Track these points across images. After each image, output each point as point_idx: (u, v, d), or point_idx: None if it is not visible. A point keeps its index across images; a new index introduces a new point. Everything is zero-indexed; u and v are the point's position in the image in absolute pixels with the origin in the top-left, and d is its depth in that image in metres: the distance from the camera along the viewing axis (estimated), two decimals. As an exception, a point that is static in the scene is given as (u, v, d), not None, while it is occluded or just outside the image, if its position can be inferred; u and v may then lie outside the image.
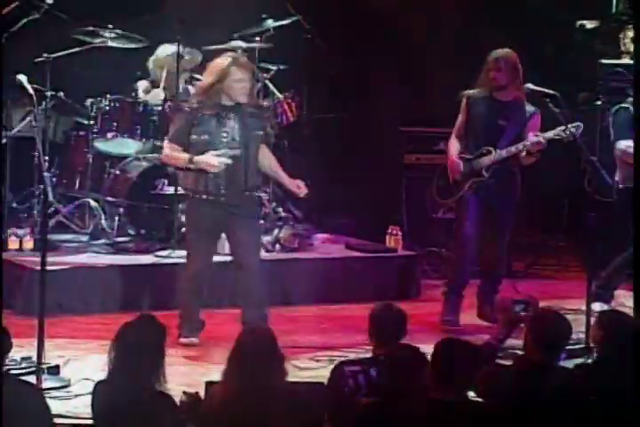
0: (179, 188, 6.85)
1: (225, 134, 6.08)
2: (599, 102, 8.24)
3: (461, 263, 6.84)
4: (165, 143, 6.33)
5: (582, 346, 5.97)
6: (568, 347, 4.75)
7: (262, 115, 6.25)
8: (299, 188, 6.24)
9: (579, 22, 9.47)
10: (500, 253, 6.92)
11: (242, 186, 6.11)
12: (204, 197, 6.13)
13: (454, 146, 6.85)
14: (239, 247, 6.20)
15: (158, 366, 4.17)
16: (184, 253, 7.46)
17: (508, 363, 5.17)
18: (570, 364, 4.78)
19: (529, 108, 6.72)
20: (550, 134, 6.55)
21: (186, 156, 6.10)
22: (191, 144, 6.11)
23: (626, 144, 6.79)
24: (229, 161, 6.05)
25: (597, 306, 6.65)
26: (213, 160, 6.04)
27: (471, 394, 4.25)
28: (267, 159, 6.26)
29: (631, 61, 8.40)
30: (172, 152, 6.19)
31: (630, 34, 8.70)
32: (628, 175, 6.66)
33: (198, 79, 8.17)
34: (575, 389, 4.29)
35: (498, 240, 6.87)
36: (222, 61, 6.12)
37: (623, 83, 8.23)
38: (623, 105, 6.99)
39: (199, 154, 6.09)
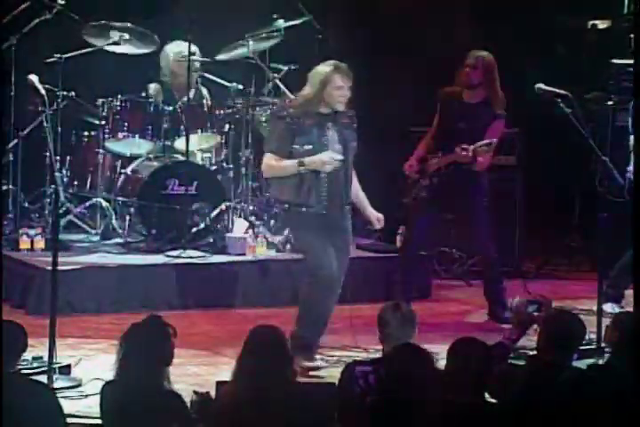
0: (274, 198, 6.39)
1: (325, 143, 5.86)
2: (611, 102, 8.21)
3: (401, 268, 6.97)
4: (267, 155, 5.95)
5: (594, 347, 5.95)
6: (580, 347, 4.73)
7: (353, 125, 5.98)
8: (378, 221, 6.08)
9: (590, 22, 9.45)
10: (484, 251, 6.96)
11: (342, 199, 5.88)
12: (304, 209, 5.87)
13: (422, 146, 6.95)
14: (336, 262, 5.91)
15: (166, 366, 4.18)
16: (195, 253, 7.50)
17: (521, 363, 5.16)
18: (582, 364, 4.77)
19: (497, 111, 6.74)
20: (478, 144, 6.59)
21: (293, 161, 5.82)
22: (292, 155, 5.84)
23: None
24: (341, 157, 5.82)
25: (609, 307, 6.64)
26: (325, 156, 5.79)
27: (485, 395, 4.24)
28: (355, 183, 6.07)
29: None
30: (276, 162, 5.87)
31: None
32: None
33: (209, 79, 8.21)
34: (588, 389, 4.28)
35: (475, 240, 6.96)
36: (324, 69, 5.89)
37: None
38: None
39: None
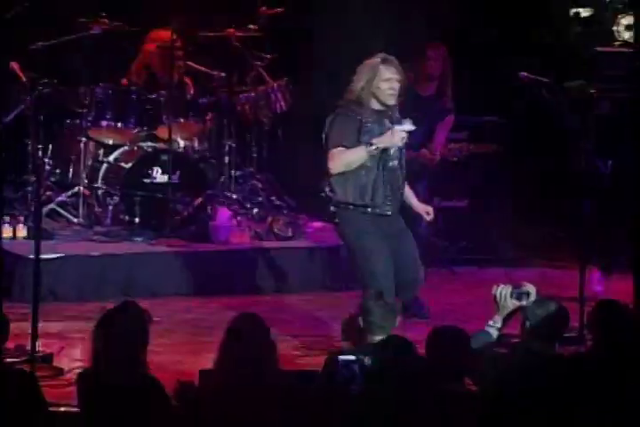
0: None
1: None
2: (593, 90, 8.23)
3: None
4: (334, 150, 5.69)
5: (576, 334, 5.98)
6: (563, 335, 4.75)
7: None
8: (428, 214, 5.92)
9: (573, 10, 9.46)
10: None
11: (399, 199, 5.79)
12: (369, 210, 5.69)
13: None
14: (411, 262, 5.81)
15: (142, 352, 4.16)
16: (179, 241, 7.49)
17: (505, 351, 5.17)
18: (564, 352, 4.79)
19: (448, 106, 6.73)
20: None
21: (361, 147, 5.60)
22: None
23: None
24: (411, 127, 5.59)
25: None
26: (394, 132, 5.55)
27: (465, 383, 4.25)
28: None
29: (626, 49, 8.39)
30: (345, 153, 5.64)
31: (624, 22, 8.69)
32: None
33: (192, 67, 8.18)
34: (572, 377, 4.29)
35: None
36: (372, 61, 5.71)
37: (618, 70, 8.22)
38: None
39: (363, 165, 5.64)
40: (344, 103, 5.72)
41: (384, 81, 5.63)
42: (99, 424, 4.14)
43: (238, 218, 7.80)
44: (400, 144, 5.63)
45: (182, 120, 7.92)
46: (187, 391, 4.31)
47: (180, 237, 7.57)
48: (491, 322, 4.78)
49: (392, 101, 5.69)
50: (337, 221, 5.83)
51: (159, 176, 7.71)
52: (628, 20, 8.70)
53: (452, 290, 7.53)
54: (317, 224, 8.08)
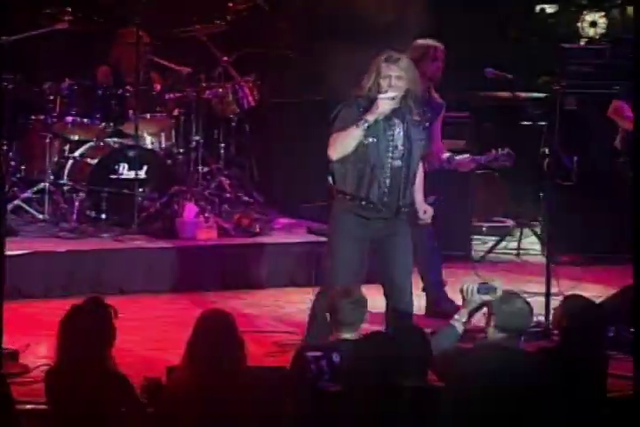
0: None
1: (390, 138, 5.56)
2: (558, 86, 8.28)
3: None
4: (330, 137, 5.58)
5: (542, 329, 6.02)
6: (528, 330, 4.78)
7: (425, 123, 5.68)
8: (424, 213, 5.75)
9: (539, 6, 9.51)
10: None
11: (399, 200, 5.58)
12: (363, 203, 5.55)
13: None
14: (395, 268, 5.63)
15: (108, 348, 4.15)
16: (146, 237, 7.47)
17: (470, 346, 5.18)
18: (530, 347, 4.82)
19: (439, 100, 6.63)
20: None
21: (352, 126, 5.49)
22: (357, 148, 5.53)
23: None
24: (393, 94, 5.47)
25: None
26: (379, 102, 5.43)
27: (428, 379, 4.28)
28: (419, 174, 5.74)
29: (591, 46, 8.45)
30: (339, 135, 5.53)
31: (589, 18, 8.75)
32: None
33: (161, 64, 8.16)
34: (537, 372, 4.32)
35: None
36: (377, 59, 5.60)
37: (582, 67, 8.27)
38: None
39: (363, 159, 5.52)
40: (353, 97, 5.65)
41: (383, 78, 5.57)
42: (66, 422, 4.13)
43: (206, 214, 7.78)
44: (386, 111, 5.50)
45: (149, 116, 7.89)
46: (154, 388, 4.31)
47: (147, 234, 7.55)
48: (457, 316, 4.81)
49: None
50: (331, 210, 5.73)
51: (126, 172, 7.68)
52: (592, 16, 8.75)
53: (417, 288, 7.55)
54: (285, 220, 8.08)
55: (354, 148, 5.52)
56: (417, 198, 5.74)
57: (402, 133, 5.60)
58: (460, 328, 4.80)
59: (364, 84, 5.63)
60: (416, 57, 6.32)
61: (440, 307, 6.53)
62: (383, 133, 5.57)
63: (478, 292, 4.77)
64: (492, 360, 4.32)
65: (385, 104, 5.48)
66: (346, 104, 5.63)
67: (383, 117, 5.53)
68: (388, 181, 5.56)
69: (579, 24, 8.73)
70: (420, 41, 6.62)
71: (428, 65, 6.49)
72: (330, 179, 5.70)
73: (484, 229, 8.74)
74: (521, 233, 8.45)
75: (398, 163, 5.59)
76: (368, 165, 5.55)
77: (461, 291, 4.81)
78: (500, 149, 6.51)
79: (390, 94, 5.49)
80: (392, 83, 5.53)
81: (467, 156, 6.66)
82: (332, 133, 5.60)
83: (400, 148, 5.58)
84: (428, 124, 5.69)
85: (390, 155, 5.58)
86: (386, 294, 5.48)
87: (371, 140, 5.56)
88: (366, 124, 5.48)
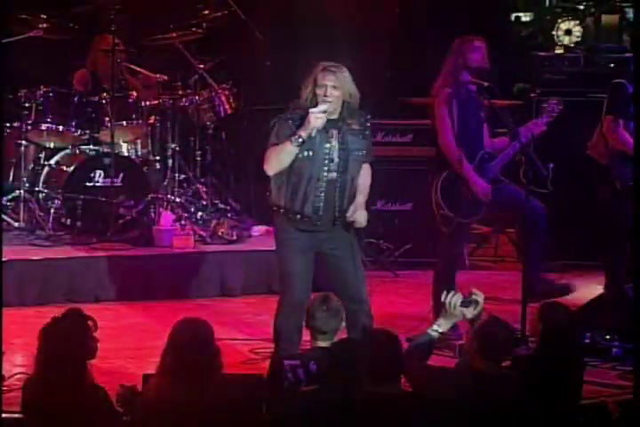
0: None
1: (327, 151, 5.49)
2: (534, 94, 8.32)
3: None
4: (268, 151, 5.54)
5: (518, 336, 6.02)
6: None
7: (365, 133, 5.58)
8: (352, 218, 5.56)
9: (514, 14, 9.55)
10: None
11: (334, 212, 5.51)
12: (298, 217, 5.50)
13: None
14: (347, 280, 5.58)
15: (88, 360, 4.13)
16: (122, 245, 7.44)
17: (448, 353, 5.20)
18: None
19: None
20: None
21: (286, 142, 5.41)
22: (294, 162, 5.46)
23: None
24: (325, 107, 5.39)
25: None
26: (310, 117, 5.36)
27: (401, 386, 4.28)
28: (362, 178, 5.64)
29: (567, 54, 8.50)
30: (274, 150, 5.47)
31: (564, 26, 8.80)
32: None
33: (136, 70, 8.14)
34: (515, 397, 4.33)
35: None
36: (315, 69, 5.53)
37: (558, 75, 8.31)
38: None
39: (298, 172, 5.46)
40: (292, 107, 5.61)
41: (319, 87, 5.51)
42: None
43: (182, 222, 7.77)
44: (319, 125, 5.42)
45: (125, 123, 7.87)
46: (129, 396, 4.29)
47: (123, 242, 7.53)
48: (435, 326, 4.81)
49: (324, 108, 5.48)
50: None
51: (101, 180, 7.67)
52: (567, 24, 8.81)
53: (394, 293, 7.56)
54: (262, 228, 8.08)
55: (289, 163, 5.47)
56: (357, 198, 5.61)
57: (337, 145, 5.52)
58: (435, 337, 4.80)
59: (302, 94, 5.57)
60: (456, 50, 6.39)
61: (538, 289, 6.52)
62: (320, 146, 5.50)
63: (461, 305, 4.76)
64: (472, 383, 4.33)
65: (317, 118, 5.41)
66: (281, 118, 5.56)
67: (321, 130, 5.46)
68: (323, 194, 5.50)
69: (554, 32, 8.78)
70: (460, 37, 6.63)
71: (469, 56, 6.48)
72: (267, 192, 5.65)
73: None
74: (497, 240, 8.47)
75: (334, 175, 5.51)
76: (303, 178, 5.48)
77: (443, 304, 4.80)
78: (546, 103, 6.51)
79: (321, 108, 5.43)
80: (328, 92, 5.46)
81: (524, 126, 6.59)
82: (267, 148, 5.54)
83: (336, 160, 5.51)
84: (368, 132, 5.60)
85: (326, 168, 5.51)
86: (345, 307, 5.23)
87: (306, 153, 5.49)
88: (300, 140, 5.43)
